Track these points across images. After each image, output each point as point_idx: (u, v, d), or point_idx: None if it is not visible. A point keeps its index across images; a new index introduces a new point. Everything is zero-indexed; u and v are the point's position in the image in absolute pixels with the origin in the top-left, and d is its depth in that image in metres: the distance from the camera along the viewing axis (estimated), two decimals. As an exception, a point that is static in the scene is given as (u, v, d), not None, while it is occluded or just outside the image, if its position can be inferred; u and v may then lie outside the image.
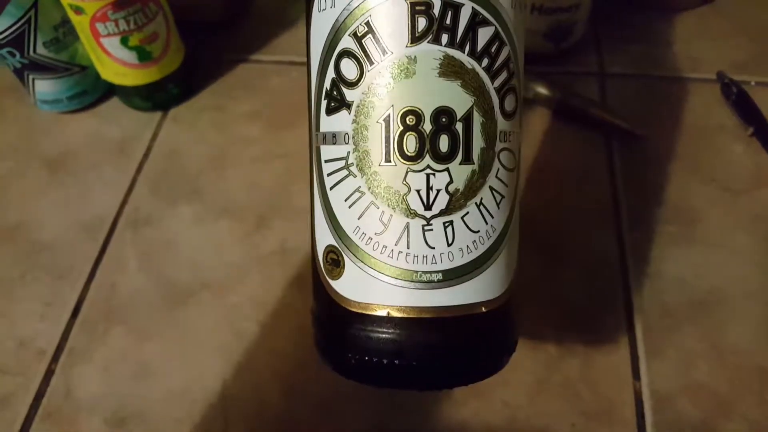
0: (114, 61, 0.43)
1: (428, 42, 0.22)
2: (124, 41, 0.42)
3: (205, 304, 0.38)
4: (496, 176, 0.24)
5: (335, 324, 0.25)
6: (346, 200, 0.24)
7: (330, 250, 0.25)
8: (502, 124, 0.24)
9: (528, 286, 0.37)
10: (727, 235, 0.39)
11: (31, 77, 0.45)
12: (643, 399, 0.34)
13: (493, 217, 0.24)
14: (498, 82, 0.23)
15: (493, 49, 0.23)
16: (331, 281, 0.25)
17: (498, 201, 0.24)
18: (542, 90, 0.44)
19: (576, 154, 0.43)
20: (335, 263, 0.25)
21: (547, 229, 0.40)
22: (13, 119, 0.49)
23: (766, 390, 0.33)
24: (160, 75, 0.45)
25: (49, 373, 0.36)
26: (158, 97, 0.47)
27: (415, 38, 0.22)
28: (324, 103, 0.24)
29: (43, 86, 0.46)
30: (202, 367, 0.36)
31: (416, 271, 0.23)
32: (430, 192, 0.23)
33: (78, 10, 0.40)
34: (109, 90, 0.49)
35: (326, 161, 0.25)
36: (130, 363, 0.36)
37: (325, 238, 0.25)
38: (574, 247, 0.39)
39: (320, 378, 0.35)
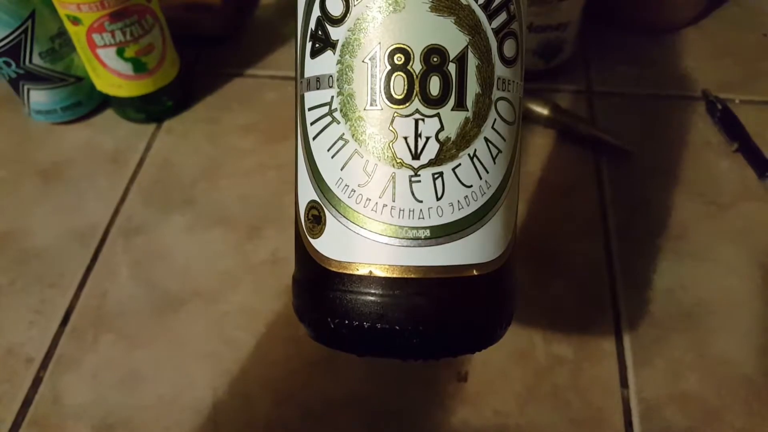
0: (110, 72, 0.44)
1: None
2: (120, 52, 0.43)
3: (196, 313, 0.38)
4: (493, 127, 0.22)
5: (315, 287, 0.23)
6: (329, 149, 0.22)
7: (312, 206, 0.23)
8: (500, 70, 0.22)
9: (527, 296, 0.38)
10: (714, 248, 0.40)
11: (26, 87, 0.46)
12: (631, 407, 0.34)
13: (488, 171, 0.22)
14: (496, 23, 0.21)
15: None
16: (312, 240, 0.23)
17: (494, 155, 0.22)
18: (532, 106, 0.45)
19: (565, 168, 0.44)
20: (317, 220, 0.23)
21: (537, 240, 0.40)
22: (7, 129, 0.49)
23: (754, 399, 0.34)
24: (155, 87, 0.46)
25: (36, 381, 0.36)
26: (152, 109, 0.48)
27: None
28: (309, 45, 0.23)
29: (38, 96, 0.46)
30: (192, 376, 0.36)
31: (402, 227, 0.21)
32: (419, 139, 0.21)
33: (75, 21, 0.41)
34: (104, 101, 0.49)
35: (309, 109, 0.23)
36: (119, 370, 0.36)
37: (307, 193, 0.24)
38: (563, 259, 0.40)
39: (311, 386, 0.35)
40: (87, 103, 0.48)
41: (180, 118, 0.49)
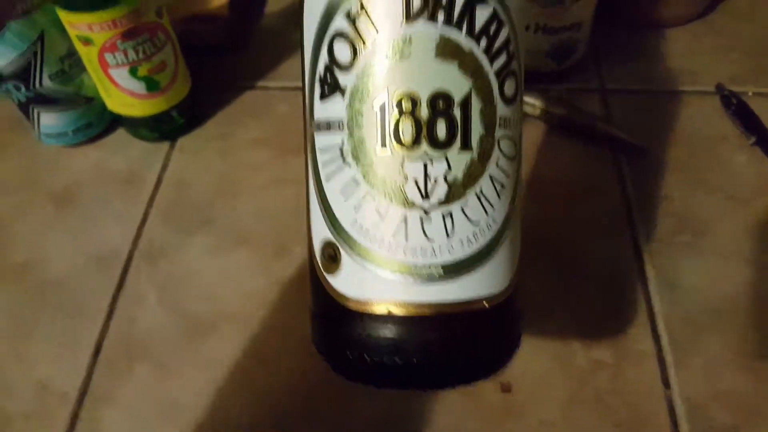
0: (122, 91, 0.43)
1: (424, 21, 0.21)
2: (132, 71, 0.42)
3: (228, 336, 0.38)
4: (497, 165, 0.23)
5: (333, 322, 0.24)
6: (341, 191, 0.23)
7: (327, 244, 0.24)
8: (501, 109, 0.23)
9: (551, 300, 0.38)
10: (737, 243, 0.40)
11: (36, 111, 0.45)
12: (675, 407, 0.34)
13: (493, 207, 0.23)
14: (497, 65, 0.22)
15: (491, 30, 0.22)
16: (328, 277, 0.24)
17: (498, 191, 0.23)
18: (546, 107, 0.45)
19: (584, 168, 0.44)
20: (332, 258, 0.24)
21: (563, 243, 0.40)
22: (16, 153, 0.48)
23: (793, 394, 0.34)
24: (168, 105, 0.45)
25: (74, 417, 0.35)
26: (165, 127, 0.47)
27: (410, 17, 0.21)
28: (317, 88, 0.23)
29: (48, 119, 0.45)
30: (229, 400, 0.35)
31: (415, 265, 0.22)
32: (428, 181, 0.22)
33: (86, 41, 0.40)
34: (114, 121, 0.48)
35: (321, 150, 0.24)
36: (157, 401, 0.35)
37: (321, 232, 0.24)
38: (591, 260, 0.40)
39: (350, 405, 0.34)
40: (98, 124, 0.47)
41: (193, 135, 0.48)
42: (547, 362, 0.36)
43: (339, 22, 0.22)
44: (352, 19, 0.22)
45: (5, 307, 0.40)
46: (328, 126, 0.23)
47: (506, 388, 0.35)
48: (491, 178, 0.23)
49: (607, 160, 0.44)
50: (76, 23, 0.39)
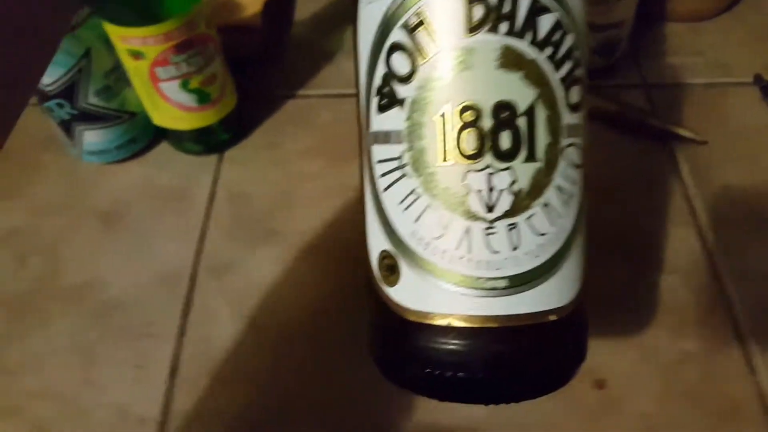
0: (172, 105, 0.42)
1: (486, 32, 0.21)
2: (184, 84, 0.41)
3: (306, 347, 0.37)
4: (563, 174, 0.22)
5: (393, 334, 0.24)
6: (400, 203, 0.23)
7: (385, 255, 0.24)
8: (567, 117, 0.22)
9: (631, 295, 0.38)
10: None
11: (79, 129, 0.43)
12: (764, 393, 0.34)
13: (560, 217, 0.23)
14: (562, 72, 0.22)
15: (555, 38, 0.22)
16: (387, 288, 0.24)
17: (565, 200, 0.23)
18: (600, 104, 0.46)
19: (640, 163, 0.45)
20: (391, 269, 0.23)
21: (630, 238, 0.41)
22: (54, 173, 0.46)
23: None
24: (218, 117, 0.44)
25: (161, 440, 0.34)
26: (212, 140, 0.46)
27: (472, 28, 0.21)
28: (375, 100, 0.23)
29: (92, 137, 0.44)
30: (314, 413, 0.34)
31: (479, 278, 0.22)
32: (492, 193, 0.21)
33: (137, 55, 0.39)
34: (155, 136, 0.47)
35: (379, 162, 0.23)
36: (246, 418, 0.34)
37: (379, 243, 0.24)
38: (662, 253, 0.40)
39: (430, 413, 0.34)
40: (141, 139, 0.46)
41: (240, 146, 0.47)
42: (637, 356, 0.36)
43: (397, 34, 0.22)
44: (410, 31, 0.21)
45: (67, 331, 0.38)
46: (386, 137, 0.23)
47: (600, 385, 0.35)
48: (558, 188, 0.22)
49: (661, 153, 0.45)
50: (128, 37, 0.38)
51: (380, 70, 0.22)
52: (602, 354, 0.36)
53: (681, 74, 0.50)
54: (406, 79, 0.22)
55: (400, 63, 0.22)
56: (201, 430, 0.34)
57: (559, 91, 0.22)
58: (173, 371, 0.36)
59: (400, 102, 0.22)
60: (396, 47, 0.22)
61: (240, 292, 0.39)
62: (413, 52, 0.21)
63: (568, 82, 0.22)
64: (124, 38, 0.38)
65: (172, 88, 0.41)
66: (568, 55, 0.22)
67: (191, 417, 0.35)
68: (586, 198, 0.24)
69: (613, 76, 0.49)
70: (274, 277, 0.40)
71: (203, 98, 0.42)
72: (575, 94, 0.23)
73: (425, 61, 0.21)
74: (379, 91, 0.23)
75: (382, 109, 0.23)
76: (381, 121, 0.23)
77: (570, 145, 0.22)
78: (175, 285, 0.40)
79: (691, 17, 0.53)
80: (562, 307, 0.23)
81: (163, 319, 0.38)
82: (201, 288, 0.39)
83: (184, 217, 0.43)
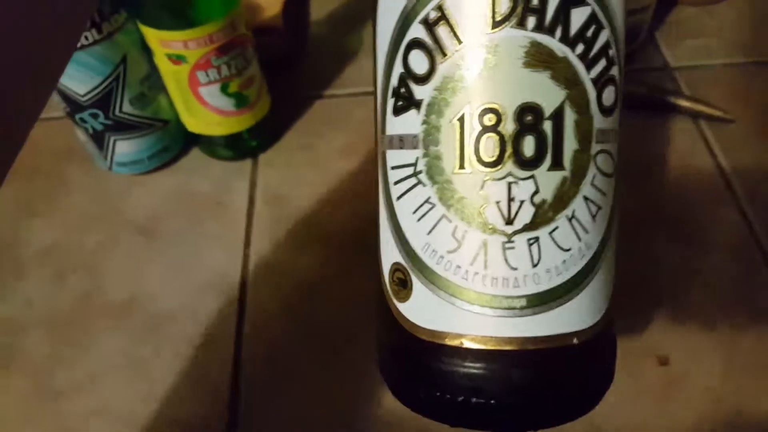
0: (210, 110, 0.41)
1: (512, 27, 0.19)
2: (224, 88, 0.40)
3: (364, 344, 0.36)
4: (592, 183, 0.20)
5: (403, 353, 0.22)
6: (414, 212, 0.21)
7: (396, 268, 0.22)
8: (599, 121, 0.20)
9: (683, 273, 0.39)
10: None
11: (112, 139, 0.42)
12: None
13: (587, 232, 0.21)
14: (595, 72, 0.20)
15: (589, 34, 0.20)
16: (397, 303, 0.22)
17: (593, 213, 0.21)
18: (629, 87, 0.46)
19: (673, 143, 0.45)
20: (402, 283, 0.22)
21: (673, 216, 0.41)
22: (83, 187, 0.45)
23: None
24: (254, 120, 0.43)
25: (236, 450, 0.33)
26: (243, 144, 0.45)
27: (497, 23, 0.19)
28: (390, 102, 0.21)
29: (124, 147, 0.43)
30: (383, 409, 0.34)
31: (496, 296, 0.20)
32: (512, 204, 0.19)
33: (178, 60, 0.38)
34: (186, 144, 0.46)
35: (392, 168, 0.22)
36: (312, 417, 0.34)
37: (391, 254, 0.22)
38: (704, 230, 0.41)
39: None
40: (172, 147, 0.45)
41: (274, 149, 0.46)
42: (696, 332, 0.36)
43: (415, 30, 0.20)
44: (430, 27, 0.20)
45: (118, 347, 0.37)
46: (401, 142, 0.21)
47: (664, 362, 0.36)
48: (585, 199, 0.20)
49: (694, 133, 0.46)
50: (169, 41, 0.37)
51: (397, 69, 0.21)
52: (661, 332, 0.36)
53: (701, 56, 0.51)
54: (424, 79, 0.20)
55: (419, 62, 0.20)
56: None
57: (590, 93, 0.20)
58: (234, 381, 0.35)
59: (417, 104, 0.20)
60: (414, 44, 0.20)
61: (295, 296, 0.39)
62: (432, 50, 0.20)
63: (601, 82, 0.20)
64: (164, 42, 0.37)
65: (212, 93, 0.40)
66: (602, 53, 0.20)
67: (259, 421, 0.34)
68: (618, 210, 0.22)
69: (635, 61, 0.50)
70: (331, 279, 0.39)
71: (241, 102, 0.41)
72: (609, 95, 0.21)
73: (445, 59, 0.20)
74: (396, 93, 0.21)
75: (398, 111, 0.21)
76: (396, 125, 0.21)
77: (601, 151, 0.21)
78: (225, 293, 0.39)
79: (703, 0, 0.54)
80: (586, 329, 0.21)
81: (220, 328, 0.37)
82: (252, 294, 0.39)
83: (225, 223, 0.42)
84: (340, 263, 0.40)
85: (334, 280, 0.39)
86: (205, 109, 0.41)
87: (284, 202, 0.43)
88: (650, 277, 0.39)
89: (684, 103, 0.46)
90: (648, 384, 0.35)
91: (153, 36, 0.37)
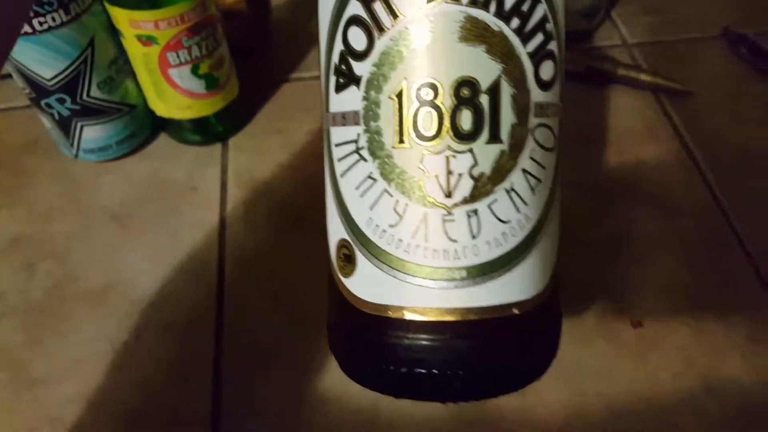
0: (180, 93, 0.40)
1: (447, 1, 0.19)
2: (194, 69, 0.40)
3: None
4: (531, 157, 0.21)
5: (349, 327, 0.23)
6: (357, 188, 0.21)
7: (342, 244, 0.23)
8: (537, 95, 0.21)
9: (656, 238, 0.40)
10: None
11: (79, 125, 0.41)
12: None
13: (526, 204, 0.21)
14: (531, 46, 0.20)
15: (524, 8, 0.20)
16: (343, 279, 0.23)
17: (533, 186, 0.21)
18: (591, 64, 0.47)
19: (636, 117, 0.47)
20: (348, 259, 0.22)
21: (639, 186, 0.43)
22: (50, 176, 0.44)
23: None
24: (224, 103, 0.43)
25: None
26: (212, 129, 0.44)
27: None
28: (333, 79, 0.22)
29: (92, 133, 0.42)
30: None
31: (436, 268, 0.20)
32: (451, 177, 0.20)
33: (148, 41, 0.37)
34: (154, 129, 0.45)
35: (336, 145, 0.22)
36: (297, 403, 0.34)
37: (337, 231, 0.23)
38: (671, 201, 0.42)
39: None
40: (140, 133, 0.44)
41: (244, 133, 0.46)
42: (668, 294, 0.38)
43: (354, 7, 0.20)
44: (367, 3, 0.20)
45: (96, 334, 0.37)
46: (343, 119, 0.21)
47: (637, 324, 0.37)
48: (524, 172, 0.21)
49: (655, 107, 0.47)
50: (139, 21, 0.36)
51: (338, 47, 0.21)
52: (632, 294, 0.38)
53: (658, 32, 0.53)
54: (363, 56, 0.20)
55: (357, 38, 0.20)
56: (257, 424, 0.33)
57: (527, 67, 0.20)
58: (216, 366, 0.35)
59: (357, 80, 0.21)
60: (353, 21, 0.20)
61: (276, 281, 0.38)
62: (370, 26, 0.20)
63: (538, 56, 0.20)
64: (134, 23, 0.36)
65: (182, 74, 0.40)
66: (538, 28, 0.20)
67: (243, 415, 0.34)
68: (560, 182, 0.23)
69: (595, 38, 0.51)
70: (302, 260, 0.39)
71: (212, 83, 0.41)
72: (547, 70, 0.21)
73: (382, 35, 0.20)
74: (337, 70, 0.21)
75: (339, 88, 0.21)
76: (338, 102, 0.22)
77: (540, 125, 0.21)
78: (204, 277, 0.38)
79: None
80: (526, 300, 0.21)
81: (199, 313, 0.37)
82: (231, 279, 0.38)
83: (199, 208, 0.42)
84: (317, 244, 0.40)
85: (310, 261, 0.39)
86: (175, 91, 0.40)
87: (257, 185, 0.43)
88: (622, 243, 0.40)
89: (644, 77, 0.47)
90: (625, 346, 0.36)
91: (122, 17, 0.36)
